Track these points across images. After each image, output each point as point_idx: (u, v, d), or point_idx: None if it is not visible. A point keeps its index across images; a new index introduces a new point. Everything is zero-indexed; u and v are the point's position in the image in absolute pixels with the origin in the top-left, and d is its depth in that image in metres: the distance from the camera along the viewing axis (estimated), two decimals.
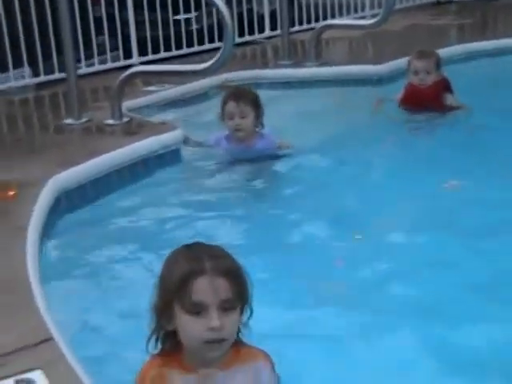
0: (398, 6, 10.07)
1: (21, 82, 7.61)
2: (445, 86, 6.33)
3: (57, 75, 7.68)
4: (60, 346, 2.80)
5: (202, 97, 7.29)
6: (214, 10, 8.61)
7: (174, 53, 8.82)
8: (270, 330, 3.10)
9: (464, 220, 4.35)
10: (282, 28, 8.25)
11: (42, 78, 7.75)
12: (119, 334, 3.31)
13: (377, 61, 7.83)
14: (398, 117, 6.38)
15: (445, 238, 4.13)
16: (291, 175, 5.30)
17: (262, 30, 9.81)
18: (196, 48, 9.02)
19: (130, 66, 6.92)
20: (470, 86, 6.67)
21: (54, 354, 2.75)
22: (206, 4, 8.77)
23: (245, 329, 2.47)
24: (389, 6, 7.44)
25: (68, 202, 4.74)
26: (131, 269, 4.00)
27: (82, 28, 7.94)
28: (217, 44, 8.74)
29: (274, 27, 9.61)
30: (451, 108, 6.27)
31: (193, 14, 9.17)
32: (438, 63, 6.33)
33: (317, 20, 10.05)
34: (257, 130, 5.45)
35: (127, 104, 6.36)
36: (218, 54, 5.44)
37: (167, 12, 8.89)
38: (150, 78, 7.32)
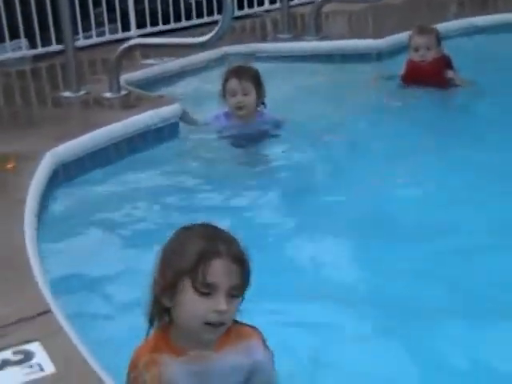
0: None
1: (18, 54, 7.57)
2: (446, 63, 6.30)
3: (54, 47, 7.63)
4: (58, 318, 2.80)
5: (201, 70, 7.24)
6: None
7: (173, 26, 8.76)
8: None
9: (466, 192, 4.36)
10: (281, 1, 8.20)
11: (40, 49, 7.70)
12: (118, 307, 3.31)
13: (377, 35, 7.79)
14: (398, 92, 6.35)
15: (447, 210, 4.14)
16: (290, 152, 5.27)
17: (261, 3, 9.74)
18: (195, 21, 8.96)
19: (128, 39, 6.86)
20: (471, 61, 6.64)
21: (52, 326, 2.75)
22: None
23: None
24: None
25: (66, 174, 4.73)
26: (129, 241, 4.01)
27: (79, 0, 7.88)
28: (216, 17, 8.69)
29: (273, 0, 9.54)
30: (453, 84, 6.25)
31: None
32: (439, 39, 6.29)
33: None
34: (258, 108, 5.40)
35: (125, 77, 6.32)
36: (217, 27, 5.40)
37: None
38: (148, 51, 7.29)
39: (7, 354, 2.56)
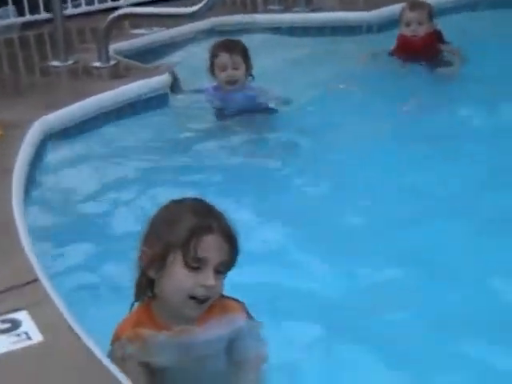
0: None
1: (5, 22, 7.48)
2: (437, 38, 6.27)
3: (43, 15, 7.54)
4: (45, 287, 2.79)
5: (190, 41, 7.19)
6: None
7: None
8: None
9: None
10: None
11: (28, 17, 7.61)
12: (105, 276, 3.33)
13: (368, 7, 7.73)
14: (388, 67, 6.31)
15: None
16: (278, 124, 5.27)
17: None
18: None
19: (117, 8, 6.79)
20: (464, 36, 6.59)
21: (39, 295, 2.74)
22: None
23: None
24: None
25: (54, 143, 4.70)
26: (118, 210, 4.02)
27: None
28: None
29: None
30: (445, 59, 6.23)
31: None
32: (431, 14, 6.24)
33: None
34: (247, 82, 5.35)
35: (114, 47, 6.27)
36: None
37: None
38: (138, 20, 7.22)
39: None
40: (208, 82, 5.46)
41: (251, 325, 2.51)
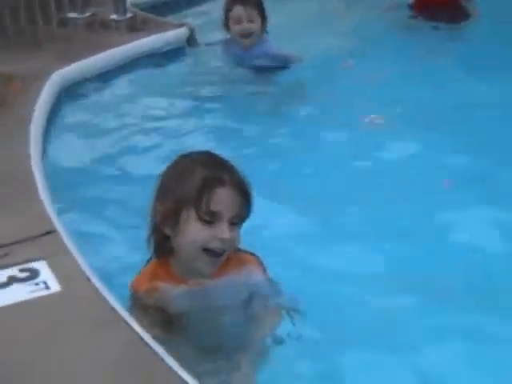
0: None
1: None
2: None
3: None
4: (63, 237, 2.83)
5: None
6: None
7: None
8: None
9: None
10: None
11: None
12: (122, 228, 3.35)
13: None
14: (408, 24, 6.27)
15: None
16: (293, 80, 5.22)
17: None
18: None
19: None
20: None
21: (57, 246, 2.79)
22: None
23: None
24: None
25: (72, 95, 4.72)
26: (135, 161, 4.04)
27: None
28: None
29: None
30: (466, 13, 6.17)
31: None
32: None
33: None
34: (263, 36, 5.27)
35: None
36: None
37: None
38: None
39: (14, 271, 2.61)
40: (224, 36, 5.41)
41: (268, 279, 2.53)
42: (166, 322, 2.43)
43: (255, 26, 5.18)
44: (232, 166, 2.43)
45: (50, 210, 3.05)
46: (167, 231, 2.41)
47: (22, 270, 2.62)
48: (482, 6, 6.18)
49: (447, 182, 3.79)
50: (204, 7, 6.92)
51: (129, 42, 5.29)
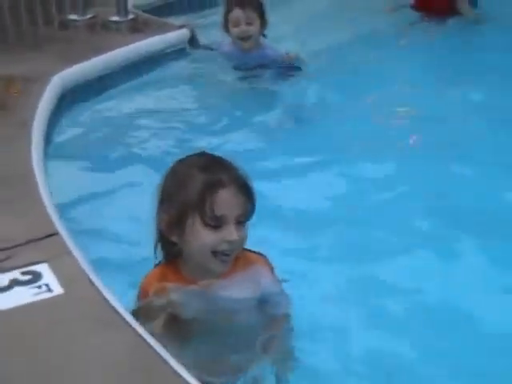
0: None
1: None
2: None
3: None
4: (65, 240, 2.82)
5: None
6: None
7: None
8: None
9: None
10: None
11: None
12: (124, 231, 3.34)
13: None
14: (410, 21, 6.31)
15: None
16: (292, 81, 5.21)
17: None
18: None
19: None
20: None
21: (59, 248, 2.78)
22: None
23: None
24: None
25: (73, 98, 4.72)
26: (137, 163, 4.03)
27: None
28: None
29: None
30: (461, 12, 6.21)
31: None
32: None
33: None
34: (261, 40, 5.26)
35: (133, 1, 6.23)
36: None
37: None
38: None
39: (16, 274, 2.60)
40: (223, 37, 5.40)
41: (276, 281, 2.53)
42: (175, 326, 2.41)
43: (254, 28, 5.15)
44: (229, 163, 2.41)
45: (52, 212, 3.04)
46: (174, 238, 2.40)
47: (24, 273, 2.61)
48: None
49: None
50: (205, 9, 6.93)
51: (130, 43, 5.28)
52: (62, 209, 3.24)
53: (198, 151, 2.50)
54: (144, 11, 6.28)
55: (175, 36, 5.55)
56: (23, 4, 6.72)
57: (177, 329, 2.41)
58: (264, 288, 2.47)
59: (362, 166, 3.99)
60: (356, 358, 2.61)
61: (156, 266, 2.51)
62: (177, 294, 2.39)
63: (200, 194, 2.30)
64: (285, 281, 2.59)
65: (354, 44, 5.86)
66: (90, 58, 4.94)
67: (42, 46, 5.42)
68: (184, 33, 5.58)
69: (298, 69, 5.26)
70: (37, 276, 2.60)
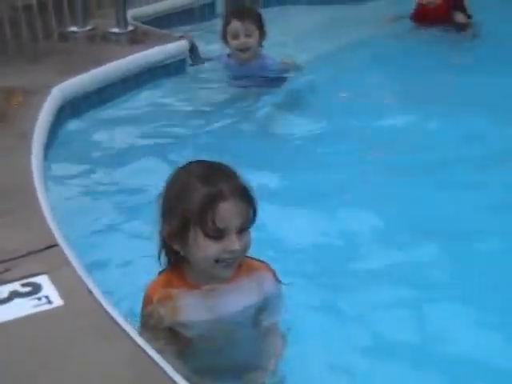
0: None
1: None
2: (454, 3, 6.27)
3: None
4: (65, 251, 2.82)
5: (207, 8, 7.17)
6: None
7: None
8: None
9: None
10: None
11: None
12: (124, 241, 3.35)
13: None
14: (409, 32, 6.35)
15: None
16: (292, 92, 5.23)
17: None
18: None
19: None
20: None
21: (59, 260, 2.78)
22: None
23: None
24: None
25: (73, 110, 4.73)
26: (136, 176, 4.03)
27: None
28: None
29: None
30: (461, 24, 6.23)
31: None
32: None
33: None
34: (258, 50, 5.25)
35: (132, 12, 6.26)
36: None
37: None
38: None
39: (16, 286, 2.60)
40: (222, 48, 5.41)
41: (279, 289, 2.53)
42: (176, 342, 2.42)
43: (253, 40, 5.14)
44: (228, 170, 2.41)
45: (52, 224, 3.04)
46: (177, 247, 2.41)
47: (23, 285, 2.61)
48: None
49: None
50: (205, 20, 6.95)
51: (129, 54, 5.29)
52: (62, 220, 3.24)
53: (198, 160, 2.48)
54: (143, 23, 6.30)
55: (175, 47, 5.56)
56: (23, 16, 6.76)
57: (176, 340, 2.42)
58: (267, 292, 2.49)
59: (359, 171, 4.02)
60: (350, 365, 2.62)
61: (160, 272, 2.51)
62: (181, 300, 2.41)
63: (201, 208, 2.29)
64: (287, 284, 2.59)
65: (352, 55, 5.86)
66: (89, 70, 4.95)
67: (42, 58, 5.43)
68: (184, 44, 5.59)
69: (290, 80, 5.26)
70: (37, 288, 2.60)
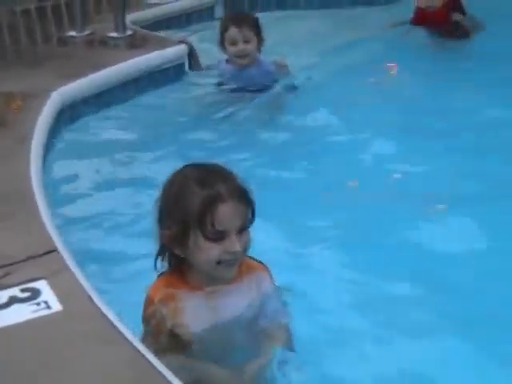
0: None
1: None
2: (453, 6, 6.27)
3: None
4: (64, 257, 2.82)
5: (206, 12, 7.18)
6: None
7: None
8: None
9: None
10: None
11: None
12: (124, 246, 3.35)
13: None
14: (409, 36, 6.34)
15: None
16: (292, 97, 5.21)
17: None
18: None
19: None
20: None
21: (58, 265, 2.78)
22: None
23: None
24: None
25: (72, 114, 4.73)
26: (135, 179, 4.04)
27: None
28: None
29: None
30: (461, 29, 6.23)
31: None
32: None
33: None
34: (258, 55, 5.22)
35: (131, 17, 6.26)
36: None
37: None
38: None
39: (15, 291, 2.60)
40: (222, 55, 5.37)
41: (277, 289, 2.54)
42: (177, 346, 2.41)
43: (251, 47, 5.11)
44: (225, 172, 2.41)
45: (51, 229, 3.04)
46: (177, 251, 2.41)
47: (23, 290, 2.61)
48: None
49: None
50: (204, 25, 6.95)
51: (128, 59, 5.30)
52: (61, 225, 3.24)
53: (194, 162, 2.48)
54: (142, 27, 6.31)
55: (174, 51, 5.56)
56: (22, 21, 6.77)
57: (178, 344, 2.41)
58: (264, 294, 2.50)
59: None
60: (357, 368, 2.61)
61: (160, 275, 2.50)
62: (183, 300, 2.41)
63: (200, 211, 2.30)
64: (286, 290, 2.60)
65: (353, 60, 5.86)
66: (88, 74, 4.95)
67: (41, 62, 5.43)
68: (182, 48, 5.59)
69: (290, 86, 5.24)
70: (36, 293, 2.59)
